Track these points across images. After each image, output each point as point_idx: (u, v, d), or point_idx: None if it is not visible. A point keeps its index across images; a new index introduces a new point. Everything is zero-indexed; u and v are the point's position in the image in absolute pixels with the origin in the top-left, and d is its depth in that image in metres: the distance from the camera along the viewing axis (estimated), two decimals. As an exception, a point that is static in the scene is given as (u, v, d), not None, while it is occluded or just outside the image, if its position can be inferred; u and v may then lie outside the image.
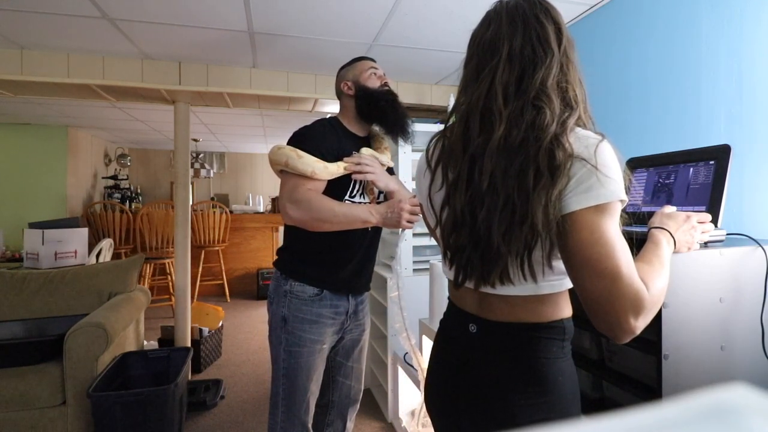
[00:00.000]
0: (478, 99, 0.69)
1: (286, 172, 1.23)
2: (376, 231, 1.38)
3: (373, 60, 1.40)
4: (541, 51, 0.67)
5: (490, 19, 0.72)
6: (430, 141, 0.82)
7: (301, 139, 1.27)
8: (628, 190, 0.64)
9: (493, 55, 0.69)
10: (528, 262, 0.64)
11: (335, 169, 1.24)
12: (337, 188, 1.27)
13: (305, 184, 1.20)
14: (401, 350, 2.10)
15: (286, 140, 1.29)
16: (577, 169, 0.61)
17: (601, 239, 0.60)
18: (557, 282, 0.70)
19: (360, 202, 1.32)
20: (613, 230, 0.61)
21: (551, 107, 0.64)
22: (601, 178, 0.60)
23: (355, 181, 1.31)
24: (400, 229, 1.39)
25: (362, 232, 1.31)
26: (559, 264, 0.67)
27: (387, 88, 1.37)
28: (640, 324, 0.60)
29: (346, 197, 1.30)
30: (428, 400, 0.86)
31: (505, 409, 0.70)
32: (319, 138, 1.27)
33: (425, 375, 0.89)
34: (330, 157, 1.25)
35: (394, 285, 1.52)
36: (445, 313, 0.89)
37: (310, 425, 1.31)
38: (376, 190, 1.35)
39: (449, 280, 0.85)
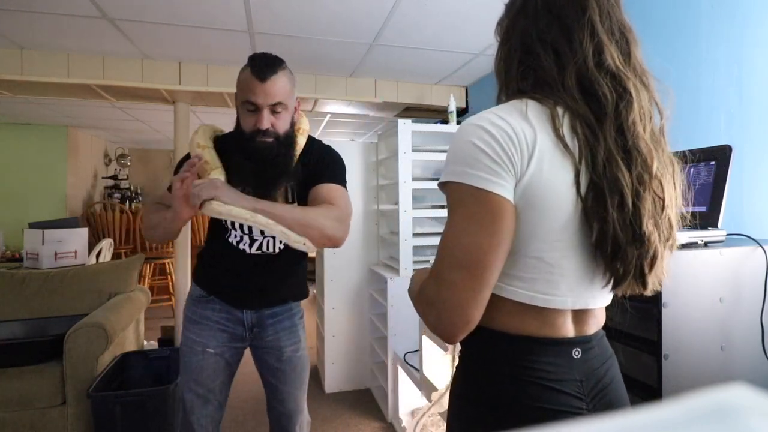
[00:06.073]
0: (586, 59, 0.60)
1: None
2: (281, 253, 1.22)
3: (260, 76, 1.02)
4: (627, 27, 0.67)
5: None
6: (552, 110, 0.60)
7: None
8: None
9: (584, 11, 0.62)
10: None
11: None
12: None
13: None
14: (401, 350, 2.11)
15: None
16: None
17: None
18: None
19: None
20: None
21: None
22: None
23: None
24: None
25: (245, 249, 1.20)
26: None
27: (261, 136, 1.06)
28: None
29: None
30: None
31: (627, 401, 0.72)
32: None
33: None
34: None
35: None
36: (511, 366, 0.63)
37: (195, 427, 1.24)
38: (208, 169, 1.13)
39: (550, 311, 0.63)
